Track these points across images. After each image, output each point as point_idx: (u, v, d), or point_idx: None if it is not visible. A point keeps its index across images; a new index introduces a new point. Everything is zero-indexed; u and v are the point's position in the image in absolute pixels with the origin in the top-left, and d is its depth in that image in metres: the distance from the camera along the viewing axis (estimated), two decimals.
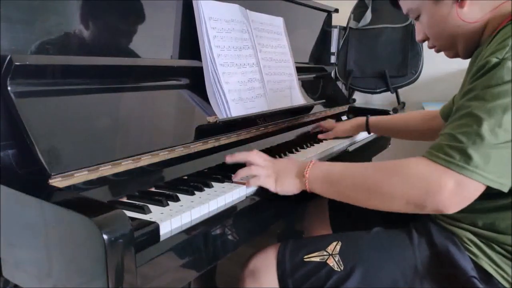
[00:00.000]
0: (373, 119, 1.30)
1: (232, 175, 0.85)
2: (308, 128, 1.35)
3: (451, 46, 0.85)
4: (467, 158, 0.65)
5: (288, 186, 0.82)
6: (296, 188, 0.82)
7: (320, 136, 1.31)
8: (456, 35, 0.81)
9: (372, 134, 1.44)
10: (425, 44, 0.91)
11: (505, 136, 0.64)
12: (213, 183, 0.80)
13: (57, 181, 0.63)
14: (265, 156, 0.88)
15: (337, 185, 0.79)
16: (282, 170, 0.84)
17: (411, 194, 0.69)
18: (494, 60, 0.67)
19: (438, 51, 0.89)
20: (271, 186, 0.82)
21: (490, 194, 0.72)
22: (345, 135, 1.34)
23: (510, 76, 0.64)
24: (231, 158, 0.86)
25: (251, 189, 0.81)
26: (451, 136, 0.68)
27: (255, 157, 0.86)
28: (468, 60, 0.89)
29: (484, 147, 0.64)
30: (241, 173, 0.83)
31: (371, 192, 0.74)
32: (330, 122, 1.38)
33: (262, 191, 0.82)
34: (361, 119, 1.32)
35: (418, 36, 0.89)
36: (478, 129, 0.65)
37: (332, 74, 2.10)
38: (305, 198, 0.86)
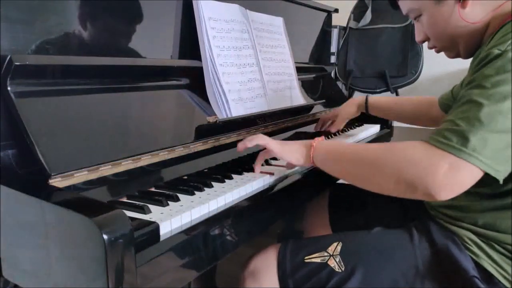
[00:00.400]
0: (372, 98, 1.29)
1: (234, 175, 0.85)
2: (308, 128, 1.35)
3: (452, 47, 0.85)
4: (465, 140, 0.64)
5: (293, 153, 0.84)
6: (301, 155, 0.83)
7: (332, 129, 1.29)
8: (457, 36, 0.81)
9: (373, 133, 1.44)
10: (425, 44, 0.91)
11: (505, 123, 0.63)
12: (213, 183, 0.80)
13: (57, 181, 0.63)
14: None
15: (338, 158, 0.81)
16: (289, 142, 0.87)
17: (403, 172, 0.68)
18: (495, 51, 0.67)
19: (438, 51, 0.89)
20: (276, 148, 0.84)
21: (490, 194, 0.73)
22: (350, 118, 1.31)
23: (511, 66, 0.64)
24: (241, 145, 0.88)
25: (252, 189, 0.81)
26: (450, 122, 0.68)
27: (264, 139, 0.88)
28: (469, 60, 0.89)
29: (483, 131, 0.64)
30: (244, 144, 0.87)
31: (365, 168, 0.75)
32: (329, 113, 1.35)
33: (262, 191, 0.82)
34: (361, 98, 1.30)
35: (418, 37, 0.89)
36: (478, 114, 0.64)
37: (332, 74, 2.10)
38: (306, 197, 0.86)
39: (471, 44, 0.82)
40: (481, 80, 0.67)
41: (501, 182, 0.66)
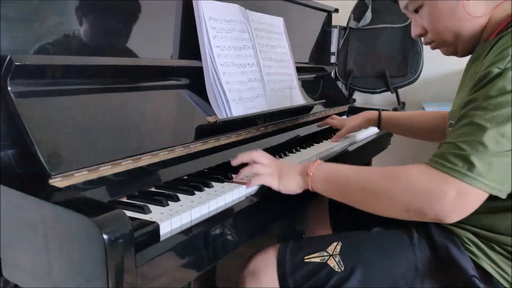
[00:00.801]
0: (386, 113, 1.26)
1: (234, 175, 0.85)
2: (308, 128, 1.35)
3: (451, 42, 0.83)
4: (470, 165, 0.65)
5: (291, 185, 0.82)
6: (299, 186, 0.82)
7: (333, 140, 1.27)
8: (458, 30, 0.80)
9: (372, 134, 1.44)
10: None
11: (507, 145, 0.64)
12: (213, 183, 0.80)
13: (57, 181, 0.63)
14: (268, 155, 0.88)
15: (340, 187, 0.80)
16: (286, 169, 0.84)
17: (411, 201, 0.69)
18: (495, 70, 0.67)
19: (435, 47, 0.87)
20: (274, 184, 0.82)
21: (490, 195, 0.72)
22: (356, 130, 1.30)
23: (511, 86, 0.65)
24: (236, 160, 0.86)
25: (251, 189, 0.81)
26: (453, 145, 0.68)
27: (258, 155, 0.86)
28: (467, 59, 0.89)
29: (487, 155, 0.64)
30: (244, 172, 0.83)
31: (372, 197, 0.75)
32: (338, 120, 1.34)
33: (262, 191, 0.82)
34: (373, 114, 1.27)
35: (415, 31, 0.87)
36: (481, 137, 0.65)
37: (332, 74, 2.10)
38: (306, 198, 0.86)
39: (470, 41, 0.81)
40: (482, 101, 0.67)
41: (504, 197, 0.68)
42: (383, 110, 1.30)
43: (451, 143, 0.69)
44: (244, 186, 0.80)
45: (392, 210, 0.73)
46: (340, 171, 0.81)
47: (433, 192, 0.67)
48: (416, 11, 0.85)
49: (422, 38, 0.88)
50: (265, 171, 0.83)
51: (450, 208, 0.67)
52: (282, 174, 0.83)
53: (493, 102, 0.66)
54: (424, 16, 0.83)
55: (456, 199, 0.66)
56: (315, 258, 0.82)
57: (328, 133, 1.35)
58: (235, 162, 0.86)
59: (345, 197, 0.80)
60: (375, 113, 1.27)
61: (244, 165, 0.85)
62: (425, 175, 0.69)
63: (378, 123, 1.27)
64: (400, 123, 1.26)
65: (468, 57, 0.88)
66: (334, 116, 1.38)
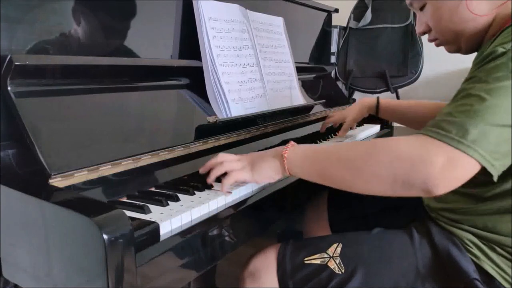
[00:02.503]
0: (384, 101, 1.25)
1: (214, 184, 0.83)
2: (308, 128, 1.35)
3: (454, 40, 0.83)
4: (465, 132, 0.62)
5: (266, 172, 0.78)
6: (275, 172, 0.78)
7: (339, 134, 1.26)
8: (462, 29, 0.80)
9: (373, 133, 1.44)
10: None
11: (505, 118, 0.62)
12: (214, 183, 0.80)
13: (57, 181, 0.63)
14: (235, 155, 0.82)
15: (319, 164, 0.73)
16: (257, 158, 0.80)
17: (398, 170, 0.64)
18: (500, 49, 0.66)
19: (438, 44, 0.87)
20: (247, 177, 0.78)
21: (490, 196, 0.72)
22: (359, 119, 1.29)
23: None
24: (203, 168, 0.81)
25: (252, 189, 0.81)
26: (448, 113, 0.65)
27: (224, 155, 0.81)
28: (470, 60, 0.88)
29: (483, 123, 0.62)
30: (214, 173, 0.78)
31: (355, 172, 0.69)
32: (337, 114, 1.32)
33: (262, 191, 0.82)
34: (372, 100, 1.26)
35: (420, 28, 0.87)
36: (479, 107, 0.62)
37: (332, 74, 2.10)
38: (307, 197, 0.86)
39: (474, 40, 0.81)
40: (482, 75, 0.66)
41: (495, 178, 0.64)
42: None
43: (446, 113, 0.66)
44: (244, 187, 0.80)
45: (377, 184, 0.67)
46: (317, 149, 0.75)
47: (421, 159, 0.62)
48: (421, 8, 0.85)
49: (427, 35, 0.88)
50: (234, 166, 0.78)
51: (439, 176, 0.61)
52: (254, 164, 0.78)
53: (493, 76, 0.64)
54: (429, 14, 0.83)
55: (445, 166, 0.61)
56: (315, 259, 0.81)
57: (328, 133, 1.35)
58: (202, 170, 0.81)
59: (325, 176, 0.73)
60: (374, 100, 1.26)
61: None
62: (415, 142, 0.65)
63: (377, 110, 1.26)
64: (398, 111, 1.24)
65: (472, 55, 0.87)
66: (334, 112, 1.37)
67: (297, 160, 0.75)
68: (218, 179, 0.82)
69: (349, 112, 1.28)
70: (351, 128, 1.33)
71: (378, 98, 1.27)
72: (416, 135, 0.66)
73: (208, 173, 0.80)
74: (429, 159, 0.62)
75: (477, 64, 0.71)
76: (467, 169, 0.63)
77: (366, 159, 0.68)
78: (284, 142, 1.17)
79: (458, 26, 0.80)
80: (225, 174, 0.78)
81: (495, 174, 0.64)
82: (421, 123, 1.18)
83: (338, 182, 0.72)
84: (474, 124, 0.62)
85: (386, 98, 1.29)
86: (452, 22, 0.80)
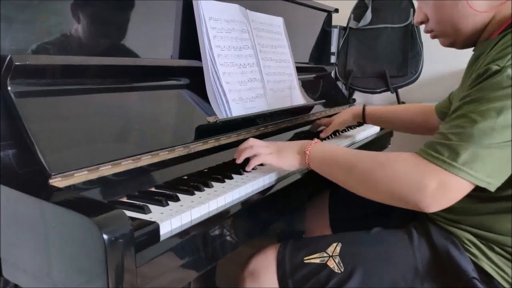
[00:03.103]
0: (369, 108, 1.29)
1: (234, 175, 0.85)
2: (308, 128, 1.35)
3: (451, 34, 0.83)
4: (456, 155, 0.65)
5: (290, 161, 0.85)
6: (297, 163, 0.85)
7: (321, 135, 1.29)
8: (460, 24, 0.80)
9: (372, 134, 1.44)
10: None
11: (498, 138, 0.64)
12: (213, 183, 0.80)
13: (57, 181, 0.63)
14: (264, 141, 0.90)
15: (332, 167, 0.82)
16: (284, 147, 0.87)
17: (395, 189, 0.70)
18: (494, 67, 0.67)
19: (434, 36, 0.87)
20: (273, 161, 0.85)
21: (490, 197, 0.72)
22: (343, 126, 1.33)
23: (510, 82, 0.64)
24: (238, 156, 0.89)
25: (252, 189, 0.81)
26: (443, 135, 0.69)
27: (254, 140, 0.89)
28: (467, 59, 0.89)
29: (475, 146, 0.64)
30: (244, 154, 0.87)
31: (360, 179, 0.76)
32: (325, 119, 1.36)
33: (262, 191, 0.82)
34: (358, 108, 1.31)
35: (418, 18, 0.87)
36: (471, 129, 0.65)
37: (332, 74, 2.10)
38: (307, 197, 0.86)
39: (471, 36, 0.81)
40: (476, 95, 0.67)
41: (492, 191, 0.67)
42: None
43: (441, 134, 0.69)
44: (244, 186, 0.80)
45: (377, 195, 0.75)
46: (334, 152, 0.83)
47: (415, 182, 0.68)
48: None
49: (424, 26, 0.88)
50: (263, 150, 0.86)
51: (431, 199, 0.67)
52: (281, 152, 0.86)
53: (486, 96, 0.66)
54: (429, 5, 0.83)
55: (437, 190, 0.66)
56: (314, 259, 0.82)
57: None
58: (239, 160, 0.88)
59: (336, 179, 0.81)
60: (360, 108, 1.31)
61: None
62: (411, 163, 0.70)
63: (363, 117, 1.30)
64: (384, 117, 1.28)
65: (469, 55, 0.87)
66: (321, 119, 1.40)
67: (316, 159, 0.83)
68: (217, 179, 0.82)
69: (336, 118, 1.32)
70: (345, 131, 1.38)
71: (364, 106, 1.31)
72: (414, 154, 0.71)
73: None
74: (422, 183, 0.67)
75: (473, 81, 0.71)
76: (459, 190, 0.67)
77: (368, 172, 0.74)
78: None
79: (457, 21, 0.80)
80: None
81: (492, 189, 0.67)
82: (408, 127, 1.24)
83: (346, 186, 0.80)
84: (465, 147, 0.65)
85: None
86: (452, 16, 0.80)
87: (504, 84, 0.65)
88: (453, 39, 0.84)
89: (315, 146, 0.84)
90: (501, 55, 0.68)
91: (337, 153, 0.82)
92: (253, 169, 0.88)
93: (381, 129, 1.53)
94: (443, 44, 0.87)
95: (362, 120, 1.31)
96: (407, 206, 0.71)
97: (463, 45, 0.84)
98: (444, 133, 0.69)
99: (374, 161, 0.75)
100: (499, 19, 0.76)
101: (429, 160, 0.67)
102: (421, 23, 0.88)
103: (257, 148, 0.86)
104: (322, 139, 1.27)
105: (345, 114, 1.31)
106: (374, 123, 1.34)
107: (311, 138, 1.09)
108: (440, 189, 0.66)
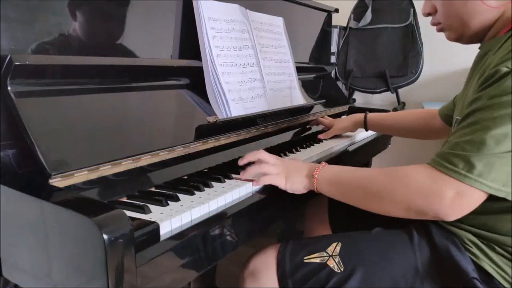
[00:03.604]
0: (371, 115, 1.30)
1: (234, 175, 0.85)
2: (308, 128, 1.35)
3: (458, 28, 0.82)
4: (470, 166, 0.65)
5: (297, 185, 0.84)
6: (304, 187, 0.84)
7: (320, 136, 1.31)
8: (468, 18, 0.79)
9: (372, 134, 1.44)
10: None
11: (510, 145, 0.64)
12: (213, 183, 0.80)
13: (57, 181, 0.63)
14: (274, 155, 0.89)
15: (343, 189, 0.81)
16: (292, 170, 0.85)
17: (412, 202, 0.70)
18: (503, 69, 0.66)
19: (440, 29, 0.86)
20: (281, 184, 0.84)
21: (491, 197, 0.72)
22: (343, 132, 1.34)
23: None
24: (243, 160, 0.87)
25: (251, 189, 0.81)
26: (455, 144, 0.68)
27: (265, 155, 0.87)
28: (471, 60, 0.88)
29: (489, 155, 0.64)
30: (251, 171, 0.84)
31: (374, 198, 0.76)
32: (329, 120, 1.37)
33: (262, 191, 0.82)
34: (359, 116, 1.31)
35: (426, 9, 0.87)
36: (483, 138, 0.65)
37: (332, 74, 2.10)
38: (305, 197, 0.86)
39: (478, 32, 0.80)
40: (487, 100, 0.67)
41: (510, 199, 0.67)
42: (384, 110, 1.31)
43: (453, 143, 0.69)
44: (244, 186, 0.80)
45: (393, 210, 0.74)
46: (343, 173, 0.83)
47: (432, 193, 0.68)
48: None
49: (430, 18, 0.87)
50: (273, 170, 0.84)
51: (449, 208, 0.68)
52: (289, 174, 0.84)
53: (497, 101, 0.65)
54: None
55: (454, 200, 0.67)
56: (314, 258, 0.82)
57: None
58: (242, 162, 0.87)
59: (348, 198, 0.81)
60: (362, 116, 1.31)
61: (247, 165, 0.86)
62: (425, 175, 0.70)
63: (365, 125, 1.31)
64: (386, 124, 1.29)
65: (469, 55, 0.87)
66: (326, 116, 1.42)
67: (325, 182, 0.82)
68: (217, 179, 0.82)
69: (337, 123, 1.33)
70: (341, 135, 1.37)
71: (365, 113, 1.31)
72: (426, 166, 0.71)
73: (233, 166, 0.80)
74: (440, 194, 0.67)
75: (481, 84, 0.70)
76: (476, 199, 0.68)
77: (382, 189, 0.74)
78: (287, 143, 1.18)
79: (466, 16, 0.79)
80: (247, 165, 0.86)
81: (509, 197, 0.67)
82: (410, 132, 1.24)
83: (360, 205, 0.80)
84: (479, 157, 0.65)
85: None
86: (462, 10, 0.79)
87: None
88: (460, 34, 0.83)
89: (323, 170, 0.83)
90: (509, 56, 0.68)
91: (347, 175, 0.82)
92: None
93: None
94: (448, 38, 0.86)
95: (364, 127, 1.31)
96: (426, 217, 0.71)
97: (469, 41, 0.84)
98: (457, 142, 0.68)
99: (387, 177, 0.75)
100: (507, 16, 0.76)
101: (444, 172, 0.67)
102: (428, 14, 0.87)
103: (266, 167, 0.84)
104: (321, 141, 1.28)
105: (346, 121, 1.32)
106: (376, 130, 1.35)
107: (311, 138, 1.08)
108: (457, 198, 0.67)
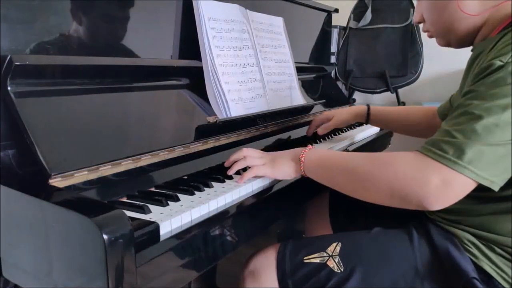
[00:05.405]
0: (374, 109, 1.25)
1: (234, 175, 0.85)
2: (308, 128, 1.35)
3: (445, 34, 0.84)
4: (461, 153, 0.64)
5: (284, 170, 0.83)
6: (292, 171, 0.83)
7: (319, 131, 1.24)
8: (452, 24, 0.80)
9: (372, 134, 1.44)
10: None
11: (502, 135, 0.64)
12: (213, 183, 0.80)
13: (57, 181, 0.63)
14: (259, 150, 0.89)
15: (329, 171, 0.80)
16: (278, 157, 0.85)
17: (396, 187, 0.69)
18: (497, 63, 0.66)
19: (431, 36, 0.88)
20: (268, 172, 0.83)
21: (490, 197, 0.72)
22: (344, 125, 1.28)
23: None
24: (228, 161, 0.87)
25: (251, 189, 0.81)
26: (446, 132, 0.68)
27: (249, 151, 0.87)
28: (467, 59, 0.89)
29: (479, 144, 0.64)
30: (237, 166, 0.84)
31: (358, 182, 0.75)
32: (323, 114, 1.28)
33: (262, 191, 0.82)
34: (362, 108, 1.26)
35: (415, 18, 0.89)
36: (475, 126, 0.64)
37: (332, 74, 2.10)
38: (305, 196, 0.86)
39: (464, 37, 0.82)
40: (480, 91, 0.67)
41: (496, 190, 0.67)
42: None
43: (444, 131, 0.68)
44: (244, 187, 0.80)
45: (377, 196, 0.73)
46: (330, 156, 0.82)
47: (417, 179, 0.67)
48: None
49: (421, 25, 0.89)
50: (257, 162, 0.84)
51: (434, 196, 0.66)
52: (275, 162, 0.84)
53: (490, 92, 0.65)
54: (423, 5, 0.85)
55: (440, 187, 0.65)
56: (314, 258, 0.82)
57: (327, 133, 1.35)
58: (227, 163, 0.87)
59: (333, 182, 0.80)
60: (364, 108, 1.25)
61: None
62: (413, 161, 0.68)
63: (367, 118, 1.25)
64: (389, 119, 1.24)
65: (469, 54, 0.87)
66: (317, 115, 1.33)
67: (311, 165, 0.81)
68: (217, 179, 0.82)
69: (337, 115, 1.25)
70: (344, 131, 1.33)
71: (368, 106, 1.26)
72: (415, 152, 0.70)
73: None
74: (424, 180, 0.66)
75: (474, 76, 0.71)
76: (463, 188, 0.66)
77: (368, 173, 0.73)
78: (285, 142, 1.18)
79: (448, 22, 0.81)
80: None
81: (496, 188, 0.66)
82: (412, 129, 1.20)
83: (343, 189, 0.79)
84: (470, 144, 0.64)
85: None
86: (443, 17, 0.81)
87: (507, 80, 0.64)
88: (447, 39, 0.85)
89: (309, 152, 0.82)
90: (504, 51, 0.68)
91: (334, 157, 0.81)
92: None
93: (381, 129, 1.53)
94: (439, 43, 0.88)
95: (365, 120, 1.26)
96: (409, 206, 0.69)
97: (458, 46, 0.85)
98: (448, 130, 0.67)
99: (373, 161, 0.74)
100: (496, 19, 0.76)
101: (433, 158, 0.66)
102: (419, 22, 0.89)
103: (250, 160, 0.84)
104: (321, 137, 1.27)
105: (347, 113, 1.26)
106: (378, 124, 1.30)
107: (310, 140, 1.08)
108: (443, 186, 0.65)
